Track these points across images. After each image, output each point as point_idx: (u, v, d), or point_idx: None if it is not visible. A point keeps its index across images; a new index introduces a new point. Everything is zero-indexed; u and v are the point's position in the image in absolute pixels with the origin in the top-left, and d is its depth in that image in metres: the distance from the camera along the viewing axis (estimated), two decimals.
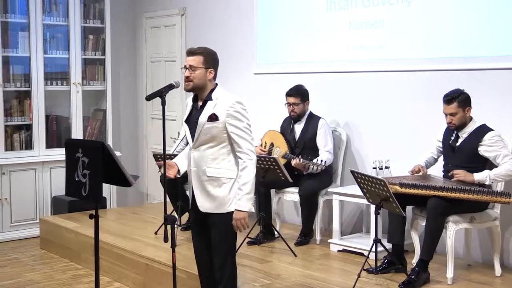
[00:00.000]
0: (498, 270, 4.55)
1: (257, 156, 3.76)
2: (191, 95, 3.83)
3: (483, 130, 4.47)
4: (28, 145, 7.00)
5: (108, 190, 7.25)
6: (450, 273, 4.37)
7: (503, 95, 4.80)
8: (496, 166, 4.41)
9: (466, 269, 4.74)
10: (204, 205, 3.70)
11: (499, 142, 4.42)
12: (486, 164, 4.47)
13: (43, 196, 7.02)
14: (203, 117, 3.65)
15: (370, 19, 5.61)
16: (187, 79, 3.67)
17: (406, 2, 5.35)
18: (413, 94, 5.35)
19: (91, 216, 3.64)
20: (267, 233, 5.50)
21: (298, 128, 5.64)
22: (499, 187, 4.56)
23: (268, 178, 5.22)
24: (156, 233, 5.80)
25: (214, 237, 3.72)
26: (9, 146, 6.90)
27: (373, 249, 4.39)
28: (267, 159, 5.13)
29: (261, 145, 5.77)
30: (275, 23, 6.45)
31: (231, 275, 3.75)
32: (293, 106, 5.56)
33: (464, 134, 4.52)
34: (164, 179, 3.73)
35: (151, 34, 8.02)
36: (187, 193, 4.77)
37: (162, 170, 3.71)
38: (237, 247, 4.00)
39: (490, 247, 4.71)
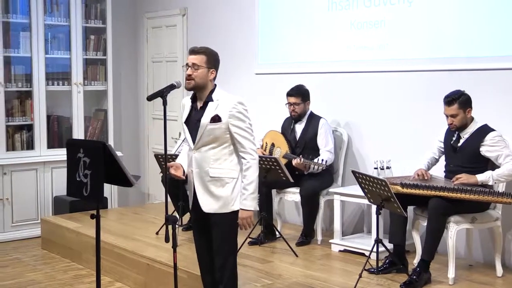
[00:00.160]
0: (499, 270, 4.55)
1: (258, 156, 3.77)
2: (186, 96, 3.84)
3: (485, 130, 4.47)
4: (29, 145, 7.00)
5: (109, 190, 7.25)
6: (451, 273, 4.36)
7: (504, 95, 4.79)
8: (497, 167, 4.41)
9: (468, 269, 4.74)
10: (208, 205, 3.70)
11: (501, 142, 4.42)
12: (488, 164, 4.46)
13: (45, 196, 7.02)
14: (205, 119, 3.65)
15: (371, 19, 5.61)
16: (189, 77, 3.67)
17: (407, 2, 5.34)
18: (415, 94, 5.35)
19: (92, 216, 3.64)
20: (268, 233, 5.49)
21: (299, 128, 5.64)
22: (501, 188, 4.56)
23: (270, 178, 5.22)
24: (157, 233, 5.81)
25: (215, 237, 3.73)
26: (11, 146, 6.90)
27: (374, 249, 4.39)
28: (268, 159, 5.12)
29: (262, 146, 5.77)
30: (276, 23, 6.45)
31: (232, 275, 3.75)
32: (294, 106, 5.56)
33: (465, 134, 4.52)
34: (165, 180, 3.73)
35: (152, 34, 8.02)
36: (188, 193, 4.77)
37: (169, 171, 3.71)
38: (238, 247, 4.00)
39: (492, 247, 4.70)
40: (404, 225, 4.57)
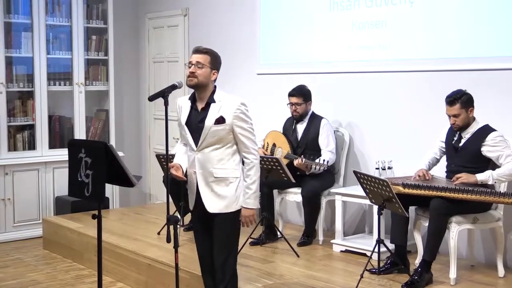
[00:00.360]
0: (501, 270, 4.55)
1: (260, 157, 3.78)
2: (181, 97, 3.84)
3: (486, 130, 4.47)
4: (31, 145, 7.01)
5: (111, 190, 7.26)
6: (453, 273, 4.36)
7: (506, 95, 4.79)
8: (498, 167, 4.41)
9: (469, 269, 4.74)
10: (213, 206, 3.71)
11: (502, 142, 4.42)
12: (489, 164, 4.46)
13: (46, 196, 7.03)
14: (209, 121, 3.66)
15: (372, 20, 5.61)
16: (192, 74, 3.67)
17: (408, 2, 5.34)
18: (416, 94, 5.34)
19: (94, 216, 3.65)
20: (269, 234, 5.49)
21: (301, 128, 5.64)
22: (502, 188, 4.56)
23: (271, 178, 5.22)
24: (158, 233, 5.81)
25: (216, 237, 3.73)
26: (12, 147, 6.91)
27: (376, 249, 4.39)
28: (269, 159, 5.12)
29: (263, 146, 5.77)
30: (278, 24, 6.45)
31: (233, 275, 3.76)
32: (295, 106, 5.56)
33: (467, 134, 4.51)
34: (167, 180, 3.73)
35: (154, 34, 8.03)
36: (189, 193, 4.77)
37: (170, 171, 3.72)
38: (239, 247, 4.01)
39: (493, 247, 4.69)
40: (406, 226, 4.57)
